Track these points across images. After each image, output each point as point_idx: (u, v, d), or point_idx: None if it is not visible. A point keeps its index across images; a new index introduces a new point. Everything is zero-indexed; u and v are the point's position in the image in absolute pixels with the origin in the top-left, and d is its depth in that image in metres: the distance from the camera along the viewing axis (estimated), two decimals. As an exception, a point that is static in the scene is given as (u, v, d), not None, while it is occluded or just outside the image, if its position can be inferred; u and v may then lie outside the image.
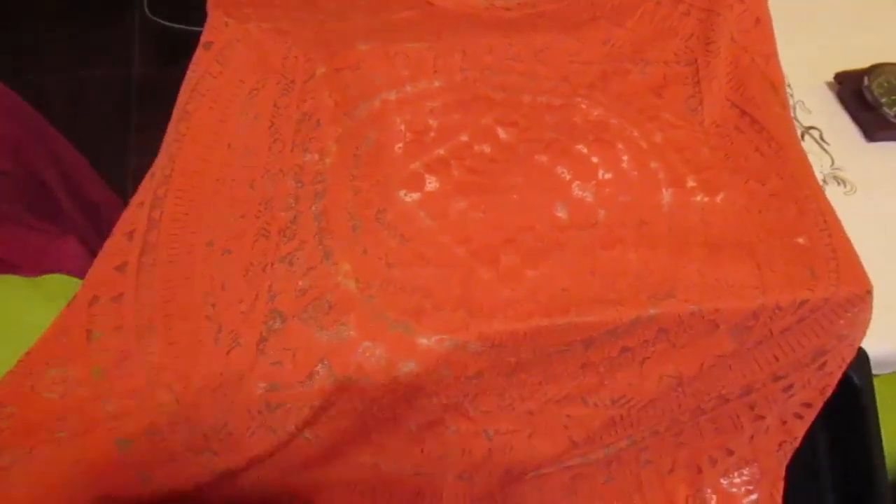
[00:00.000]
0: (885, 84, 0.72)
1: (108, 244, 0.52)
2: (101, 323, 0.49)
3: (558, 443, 0.49)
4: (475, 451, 0.48)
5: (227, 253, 0.50)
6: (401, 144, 0.53)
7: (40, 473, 0.42)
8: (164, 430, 0.44)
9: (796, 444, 0.55)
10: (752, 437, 0.55)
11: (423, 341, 0.42)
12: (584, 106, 0.57)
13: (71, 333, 0.48)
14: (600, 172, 0.53)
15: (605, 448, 0.54)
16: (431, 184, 0.51)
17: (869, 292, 0.50)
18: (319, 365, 0.43)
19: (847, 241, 0.52)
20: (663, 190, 0.53)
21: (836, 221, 0.53)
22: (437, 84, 0.58)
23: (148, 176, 0.55)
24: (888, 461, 0.58)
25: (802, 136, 0.71)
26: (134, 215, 0.52)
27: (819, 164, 0.69)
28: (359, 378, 0.42)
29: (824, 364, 0.52)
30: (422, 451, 0.48)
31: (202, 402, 0.44)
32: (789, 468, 0.57)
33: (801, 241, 0.52)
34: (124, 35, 1.68)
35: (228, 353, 0.46)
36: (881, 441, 0.57)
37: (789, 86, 0.73)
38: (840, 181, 0.68)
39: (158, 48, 1.65)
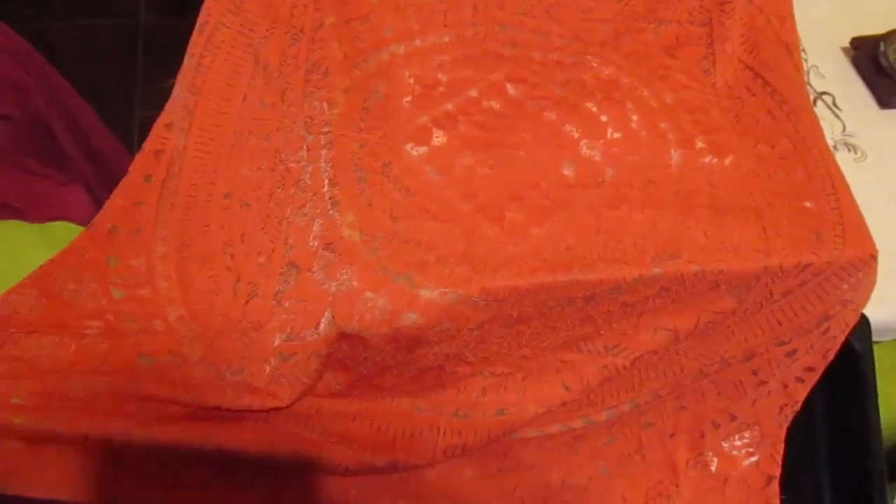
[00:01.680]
0: (902, 50, 0.71)
1: (125, 183, 0.53)
2: (119, 251, 0.50)
3: (550, 386, 0.49)
4: (469, 390, 0.49)
5: (246, 206, 0.51)
6: (409, 98, 0.52)
7: (67, 362, 0.44)
8: (184, 356, 0.45)
9: (797, 407, 0.56)
10: (754, 401, 0.56)
11: (426, 293, 0.43)
12: (595, 64, 0.56)
13: (90, 254, 0.49)
14: (609, 131, 0.52)
15: (608, 410, 0.54)
16: (439, 138, 0.50)
17: (874, 257, 0.50)
18: (325, 315, 0.44)
19: (854, 206, 0.52)
20: (672, 151, 0.52)
21: (845, 186, 0.53)
22: (446, 38, 0.57)
23: (163, 126, 0.55)
24: (884, 426, 0.58)
25: (815, 101, 0.70)
26: (151, 162, 0.53)
27: (830, 130, 0.68)
28: (360, 328, 0.43)
29: (828, 329, 0.52)
30: (420, 388, 0.48)
31: (220, 346, 0.46)
32: (788, 431, 0.58)
33: (808, 204, 0.51)
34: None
35: (247, 303, 0.47)
36: (878, 407, 0.58)
37: (804, 50, 0.72)
38: (851, 147, 0.67)
39: (163, -3, 1.63)
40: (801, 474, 0.60)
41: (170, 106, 0.56)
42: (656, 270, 0.46)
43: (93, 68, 1.54)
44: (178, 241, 0.51)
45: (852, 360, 0.57)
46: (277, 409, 0.45)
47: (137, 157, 0.54)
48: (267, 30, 0.56)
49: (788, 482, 0.58)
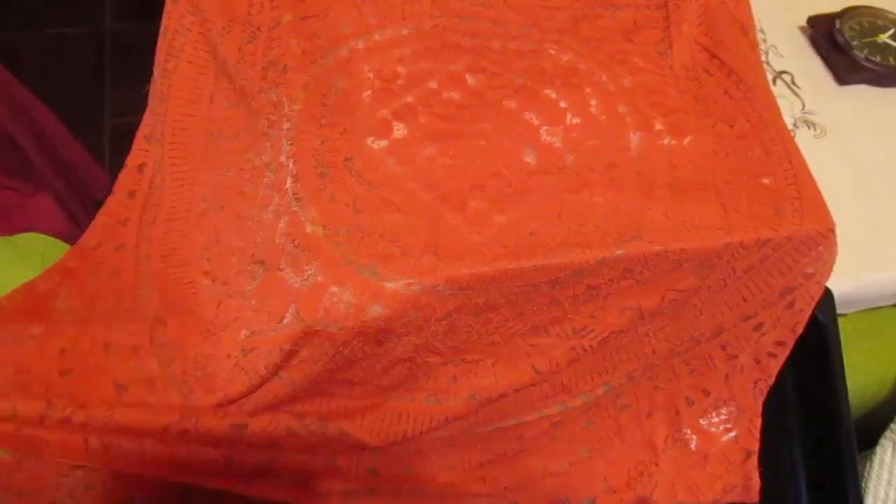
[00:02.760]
0: (857, 27, 0.72)
1: (110, 201, 0.56)
2: (103, 265, 0.53)
3: (521, 371, 0.50)
4: (440, 378, 0.49)
5: (220, 209, 0.52)
6: (369, 92, 0.53)
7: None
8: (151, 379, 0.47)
9: (771, 381, 0.57)
10: (727, 376, 0.56)
11: (391, 285, 0.43)
12: (553, 51, 0.56)
13: (75, 269, 0.52)
14: (568, 117, 0.53)
15: (583, 395, 0.55)
16: (399, 131, 0.51)
17: (831, 230, 0.50)
18: (289, 310, 0.44)
19: (811, 181, 0.53)
20: (631, 133, 0.53)
21: (802, 162, 0.53)
22: (405, 31, 0.57)
23: (143, 138, 0.56)
24: (850, 396, 0.60)
25: (774, 80, 0.71)
26: (134, 177, 0.54)
27: (790, 109, 0.69)
28: (327, 323, 0.43)
29: (793, 302, 0.53)
30: (391, 379, 0.49)
31: (190, 342, 0.46)
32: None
33: (766, 181, 0.52)
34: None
35: (220, 304, 0.47)
36: (845, 377, 0.59)
37: (762, 30, 0.74)
38: (810, 125, 0.69)
39: (129, 3, 1.61)
40: (773, 446, 0.61)
41: (147, 116, 0.57)
42: (619, 252, 0.47)
43: (61, 78, 1.52)
44: (159, 251, 0.53)
45: (818, 332, 0.58)
46: (233, 401, 0.45)
47: (121, 173, 0.56)
48: (223, 27, 0.56)
49: (762, 454, 0.60)
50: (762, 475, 0.58)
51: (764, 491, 0.59)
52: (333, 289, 0.43)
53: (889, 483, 0.62)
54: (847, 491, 0.59)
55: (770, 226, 0.50)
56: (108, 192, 1.08)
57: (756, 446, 0.57)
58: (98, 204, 1.08)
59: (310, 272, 0.44)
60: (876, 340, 0.66)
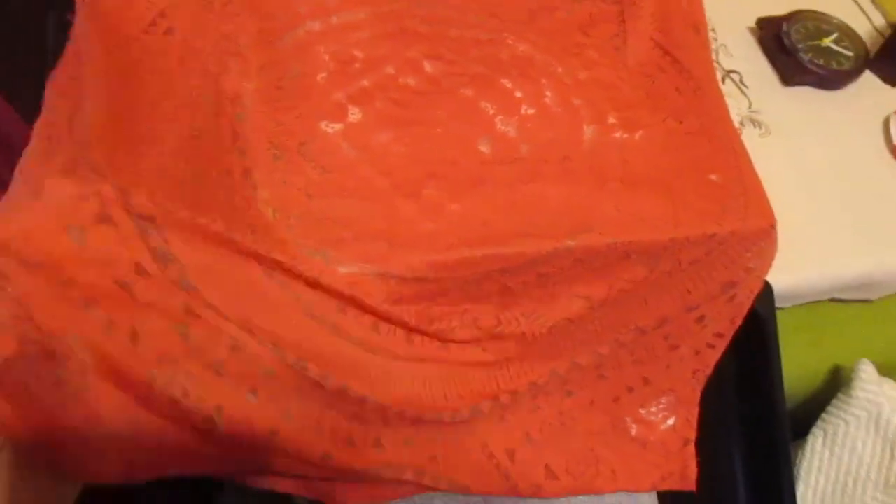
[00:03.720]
0: (803, 30, 0.75)
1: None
2: None
3: (470, 352, 0.50)
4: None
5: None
6: (324, 74, 0.52)
7: None
8: None
9: (709, 371, 0.58)
10: (667, 366, 0.58)
11: (343, 270, 0.43)
12: (510, 42, 0.57)
13: None
14: (523, 107, 0.53)
15: (531, 382, 0.56)
16: (354, 115, 0.50)
17: (773, 226, 0.52)
18: None
19: (756, 178, 0.54)
20: (585, 126, 0.54)
21: (747, 159, 0.55)
22: (362, 15, 0.57)
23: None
24: (786, 387, 0.62)
25: (723, 79, 0.73)
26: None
27: (737, 107, 0.71)
28: None
29: (734, 296, 0.54)
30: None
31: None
32: (701, 395, 0.60)
33: (713, 177, 0.54)
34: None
35: None
36: (781, 369, 0.61)
37: (713, 30, 0.75)
38: (757, 123, 0.70)
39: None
40: (712, 434, 0.63)
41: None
42: (570, 243, 0.47)
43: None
44: None
45: (757, 324, 0.60)
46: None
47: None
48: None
49: (701, 442, 0.61)
50: (700, 462, 0.60)
51: (701, 477, 0.61)
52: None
53: (819, 470, 0.64)
54: (781, 478, 0.61)
55: (715, 221, 0.51)
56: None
57: (693, 435, 0.58)
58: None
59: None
60: (812, 334, 0.69)
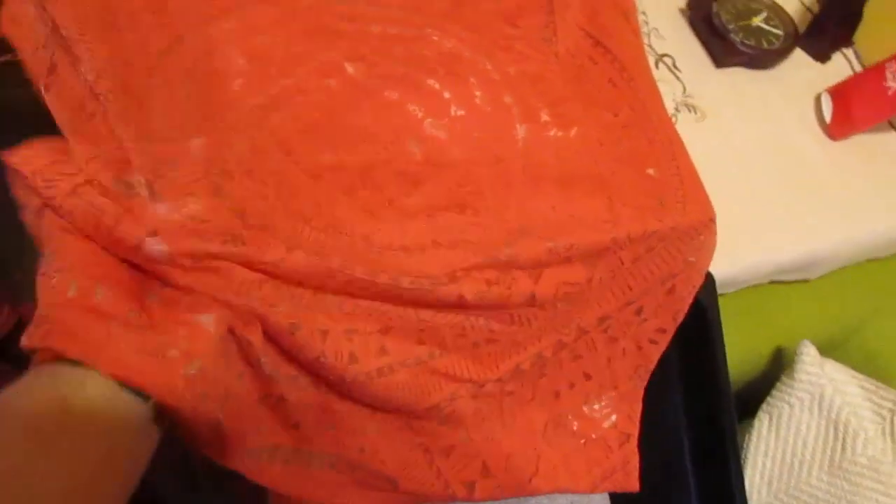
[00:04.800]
0: (733, 10, 0.74)
1: None
2: None
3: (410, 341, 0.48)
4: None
5: None
6: (240, 80, 0.49)
7: None
8: None
9: (651, 366, 0.58)
10: (608, 359, 0.57)
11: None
12: (435, 38, 0.54)
13: None
14: (453, 108, 0.51)
15: (472, 381, 0.54)
16: (274, 122, 0.47)
17: (712, 219, 0.51)
18: None
19: (693, 170, 0.53)
20: (517, 125, 0.52)
21: (684, 151, 0.54)
22: (276, 11, 0.53)
23: None
24: (730, 371, 0.62)
25: (656, 63, 0.71)
26: None
27: (672, 92, 0.70)
28: None
29: (673, 288, 0.54)
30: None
31: None
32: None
33: (650, 171, 0.52)
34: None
35: None
36: (725, 356, 0.61)
37: (644, 13, 0.74)
38: (691, 108, 0.70)
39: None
40: (658, 423, 0.63)
41: None
42: (509, 250, 0.46)
43: None
44: None
45: (700, 313, 0.60)
46: None
47: None
48: None
49: (648, 433, 0.61)
50: (647, 453, 0.60)
51: (649, 466, 0.61)
52: None
53: (766, 453, 0.65)
54: (728, 463, 0.61)
55: (655, 217, 0.50)
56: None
57: (635, 431, 0.58)
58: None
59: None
60: (752, 317, 0.69)
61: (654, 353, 0.56)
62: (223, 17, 0.51)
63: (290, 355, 0.43)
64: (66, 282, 0.36)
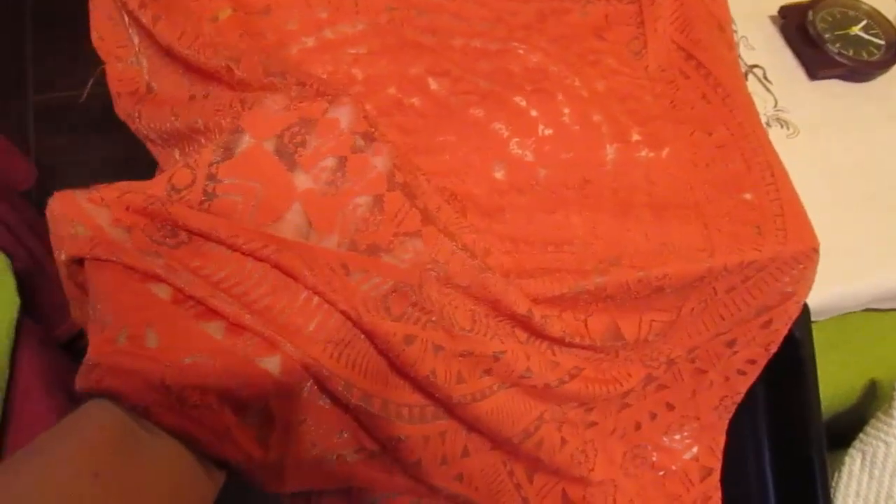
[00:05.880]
0: (829, 18, 0.70)
1: None
2: None
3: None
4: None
5: None
6: (322, 100, 0.47)
7: None
8: None
9: (738, 398, 0.55)
10: (694, 392, 0.54)
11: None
12: (521, 51, 0.52)
13: None
14: (540, 128, 0.49)
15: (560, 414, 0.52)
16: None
17: (815, 249, 0.48)
18: None
19: (794, 195, 0.50)
20: (607, 146, 0.49)
21: (784, 174, 0.51)
22: (360, 27, 0.52)
23: None
24: (821, 405, 0.58)
25: (746, 75, 0.68)
26: None
27: (763, 106, 0.66)
28: None
29: (770, 321, 0.51)
30: None
31: None
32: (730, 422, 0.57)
33: (747, 196, 0.49)
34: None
35: None
36: (818, 393, 0.57)
37: (733, 20, 0.70)
38: (783, 123, 0.66)
39: None
40: (743, 461, 0.60)
41: None
42: (598, 279, 0.43)
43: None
44: None
45: (792, 347, 0.56)
46: None
47: None
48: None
49: (732, 469, 0.58)
50: (733, 491, 0.57)
51: (732, 502, 0.58)
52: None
53: (857, 494, 0.61)
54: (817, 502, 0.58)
55: (753, 246, 0.47)
56: (33, 183, 0.99)
57: (717, 464, 0.55)
58: (24, 196, 0.99)
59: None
60: (846, 347, 0.65)
61: (743, 385, 0.53)
62: (305, 35, 0.50)
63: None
64: (116, 330, 0.33)
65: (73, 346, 0.80)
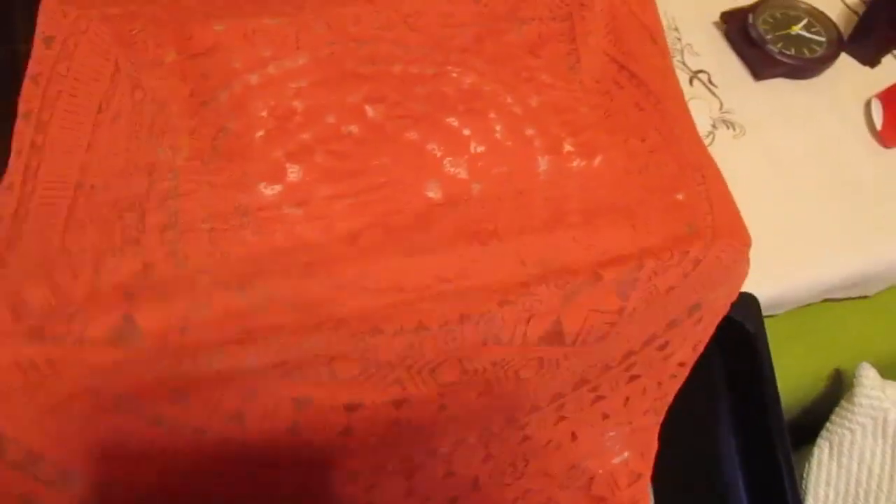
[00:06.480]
0: (770, 20, 0.72)
1: None
2: None
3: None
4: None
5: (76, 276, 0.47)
6: (262, 132, 0.50)
7: None
8: None
9: (669, 401, 0.54)
10: (627, 398, 0.54)
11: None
12: (455, 74, 0.54)
13: None
14: (473, 145, 0.51)
15: (484, 428, 0.52)
16: (294, 174, 0.48)
17: (746, 245, 0.49)
18: None
19: (726, 193, 0.51)
20: (539, 157, 0.51)
21: (715, 174, 0.52)
22: (301, 62, 0.54)
23: (5, 186, 0.51)
24: (785, 398, 0.59)
25: (691, 80, 0.70)
26: None
27: (709, 109, 0.68)
28: None
29: (700, 320, 0.51)
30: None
31: None
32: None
33: (679, 197, 0.51)
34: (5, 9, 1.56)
35: None
36: (776, 385, 0.58)
37: (676, 29, 0.72)
38: (729, 124, 0.68)
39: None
40: (710, 457, 0.60)
41: (12, 163, 0.52)
42: (527, 289, 0.45)
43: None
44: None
45: (746, 339, 0.57)
46: None
47: None
48: (110, 75, 0.53)
49: (699, 467, 0.59)
50: (700, 490, 0.57)
51: (703, 502, 0.58)
52: None
53: (828, 483, 0.62)
54: (786, 495, 0.58)
55: (683, 244, 0.48)
56: None
57: (648, 470, 0.54)
58: None
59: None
60: (805, 339, 0.66)
61: (674, 388, 0.53)
62: (249, 72, 0.53)
63: None
64: None
65: None
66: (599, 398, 0.51)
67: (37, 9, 0.56)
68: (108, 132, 0.52)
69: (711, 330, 0.50)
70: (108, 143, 0.52)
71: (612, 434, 0.53)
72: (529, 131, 0.52)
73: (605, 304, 0.49)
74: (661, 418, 0.53)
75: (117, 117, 0.52)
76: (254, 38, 0.54)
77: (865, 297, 0.67)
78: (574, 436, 0.52)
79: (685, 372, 0.52)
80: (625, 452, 0.53)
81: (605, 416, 0.52)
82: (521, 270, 0.46)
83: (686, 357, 0.51)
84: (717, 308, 0.50)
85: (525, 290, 0.46)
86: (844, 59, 0.73)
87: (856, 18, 0.75)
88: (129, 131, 0.51)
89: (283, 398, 0.42)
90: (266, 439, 0.43)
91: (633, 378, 0.52)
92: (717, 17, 0.74)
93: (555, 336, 0.49)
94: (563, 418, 0.51)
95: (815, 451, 0.62)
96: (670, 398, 0.53)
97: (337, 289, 0.43)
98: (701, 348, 0.51)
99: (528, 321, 0.48)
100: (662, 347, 0.51)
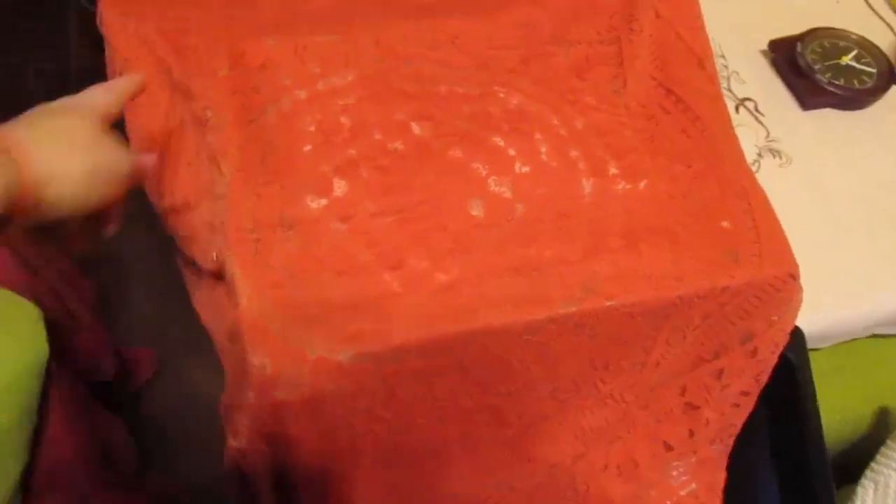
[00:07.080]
0: (819, 49, 0.71)
1: None
2: None
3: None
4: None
5: None
6: (309, 147, 0.50)
7: None
8: None
9: (735, 431, 0.54)
10: (691, 431, 0.54)
11: (324, 355, 0.41)
12: (501, 94, 0.54)
13: None
14: (517, 165, 0.51)
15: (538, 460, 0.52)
16: (340, 188, 0.48)
17: (793, 275, 0.48)
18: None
19: (773, 221, 0.51)
20: (583, 180, 0.51)
21: (763, 201, 0.52)
22: (349, 78, 0.55)
23: None
24: (828, 435, 0.57)
25: (737, 108, 0.69)
26: None
27: (755, 137, 0.68)
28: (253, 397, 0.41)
29: (755, 350, 0.51)
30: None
31: None
32: (731, 450, 0.56)
33: (724, 224, 0.50)
34: (61, 25, 1.61)
35: None
36: (819, 417, 0.57)
37: (723, 56, 0.72)
38: (775, 153, 0.67)
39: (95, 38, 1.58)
40: (748, 494, 0.59)
41: None
42: (567, 310, 0.45)
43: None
44: None
45: (789, 373, 0.56)
46: None
47: None
48: (160, 86, 0.54)
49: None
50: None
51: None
52: (264, 360, 0.41)
53: (871, 524, 0.59)
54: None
55: (726, 272, 0.48)
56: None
57: (716, 502, 0.54)
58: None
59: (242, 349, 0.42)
60: (850, 374, 0.64)
61: (738, 418, 0.53)
62: (298, 88, 0.53)
63: None
64: None
65: (104, 394, 0.84)
66: (658, 421, 0.51)
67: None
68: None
69: (773, 359, 0.50)
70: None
71: (681, 469, 0.52)
72: (574, 153, 0.52)
73: (636, 334, 0.49)
74: (728, 448, 0.53)
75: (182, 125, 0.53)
76: (304, 55, 0.55)
77: (913, 333, 0.65)
78: (636, 464, 0.52)
79: (750, 402, 0.52)
80: (692, 484, 0.53)
81: (669, 448, 0.52)
82: (558, 300, 0.46)
83: (748, 386, 0.51)
84: (774, 337, 0.49)
85: (559, 328, 0.46)
86: (894, 92, 0.72)
87: (908, 50, 0.74)
88: (178, 141, 0.53)
89: None
90: None
91: (692, 408, 0.51)
92: (764, 46, 0.73)
93: (588, 367, 0.49)
94: (617, 438, 0.51)
95: (859, 491, 0.60)
96: (736, 429, 0.53)
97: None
98: (764, 378, 0.51)
99: (558, 356, 0.48)
100: (718, 376, 0.50)
